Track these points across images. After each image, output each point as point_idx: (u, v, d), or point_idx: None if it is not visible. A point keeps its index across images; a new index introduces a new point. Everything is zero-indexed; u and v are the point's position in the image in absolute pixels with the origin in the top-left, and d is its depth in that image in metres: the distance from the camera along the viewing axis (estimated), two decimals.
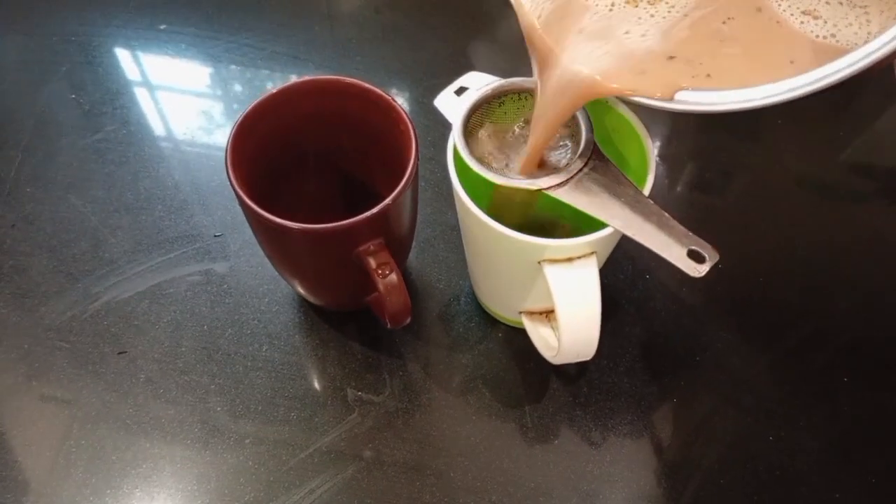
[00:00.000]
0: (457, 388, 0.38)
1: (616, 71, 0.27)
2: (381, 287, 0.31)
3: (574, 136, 0.32)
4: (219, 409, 0.36)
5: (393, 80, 0.50)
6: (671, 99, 0.26)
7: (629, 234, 0.29)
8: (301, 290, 0.38)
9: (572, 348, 0.31)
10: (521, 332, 0.39)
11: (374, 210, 0.31)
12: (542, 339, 0.35)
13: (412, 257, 0.41)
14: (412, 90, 0.49)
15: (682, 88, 0.26)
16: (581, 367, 0.38)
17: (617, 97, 0.28)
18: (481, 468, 0.35)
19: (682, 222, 0.29)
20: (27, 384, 0.37)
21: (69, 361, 0.38)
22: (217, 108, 0.48)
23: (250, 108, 0.33)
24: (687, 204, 0.45)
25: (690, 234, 0.29)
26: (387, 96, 0.34)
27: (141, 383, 0.37)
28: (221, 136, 0.46)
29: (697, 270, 0.28)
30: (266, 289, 0.40)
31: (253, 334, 0.39)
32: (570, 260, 0.30)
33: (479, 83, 0.33)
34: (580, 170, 0.30)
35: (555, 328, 0.36)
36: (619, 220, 0.29)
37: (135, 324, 0.39)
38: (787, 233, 0.43)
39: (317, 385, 0.37)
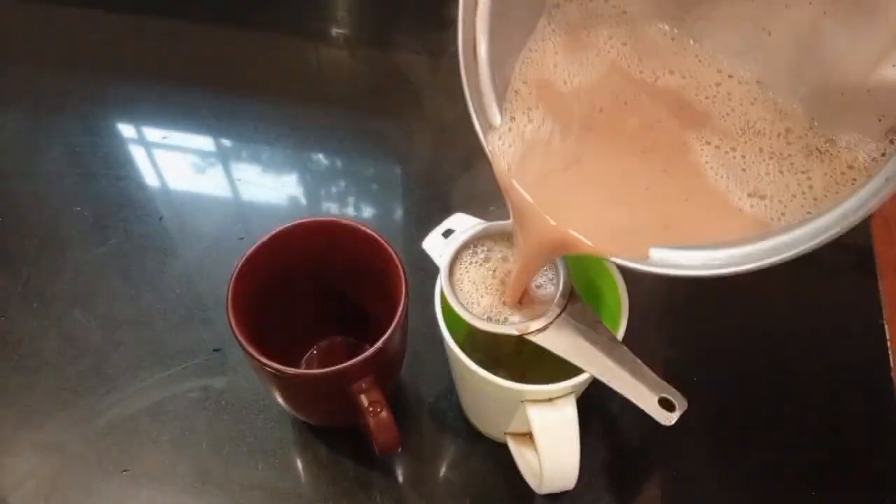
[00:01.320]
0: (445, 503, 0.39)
1: (592, 231, 0.29)
2: (371, 424, 0.33)
3: (550, 278, 0.34)
4: None
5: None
6: (646, 260, 0.28)
7: (604, 380, 0.31)
8: (294, 414, 0.39)
9: (554, 482, 0.33)
10: (506, 448, 0.41)
11: (367, 354, 0.33)
12: (527, 463, 0.37)
13: (403, 369, 0.43)
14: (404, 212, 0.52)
15: (654, 246, 0.28)
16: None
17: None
18: None
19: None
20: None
21: (72, 480, 0.39)
22: (217, 223, 0.50)
23: (247, 255, 0.35)
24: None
25: (661, 381, 0.31)
26: (376, 236, 0.36)
27: (143, 502, 0.39)
28: (222, 250, 0.48)
29: (668, 419, 0.30)
30: (262, 405, 0.42)
31: (249, 452, 0.40)
32: (550, 400, 0.33)
33: (464, 225, 0.36)
34: (558, 314, 0.33)
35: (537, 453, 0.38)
36: (595, 367, 0.31)
37: (137, 441, 0.40)
38: (757, 328, 0.45)
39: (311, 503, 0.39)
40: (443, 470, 0.40)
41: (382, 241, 0.36)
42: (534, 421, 0.32)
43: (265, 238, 0.36)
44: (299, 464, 0.40)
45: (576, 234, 0.28)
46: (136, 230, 0.49)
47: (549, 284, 0.34)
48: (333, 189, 0.53)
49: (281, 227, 0.36)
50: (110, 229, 0.49)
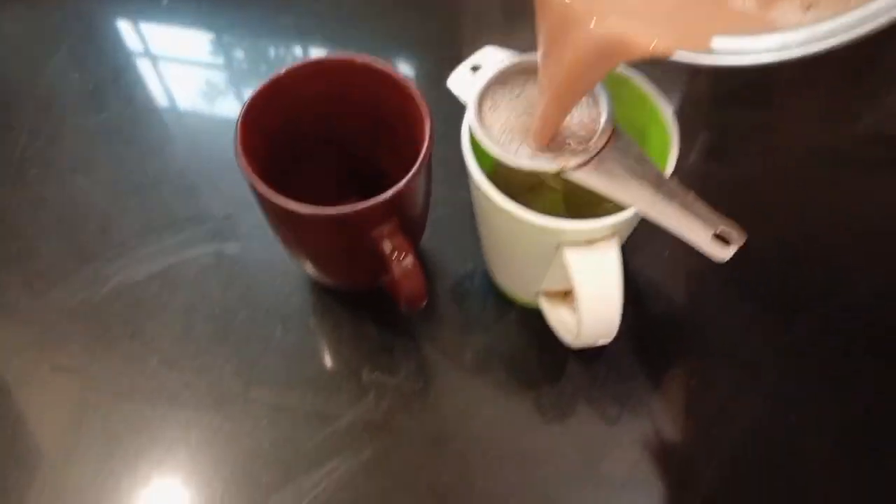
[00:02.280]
0: (472, 370, 0.37)
1: (643, 26, 0.25)
2: (396, 272, 0.31)
3: (591, 111, 0.31)
4: (234, 391, 0.36)
5: (402, 53, 0.49)
6: (712, 50, 0.24)
7: (652, 217, 0.28)
8: (314, 273, 0.37)
9: (592, 332, 0.31)
10: (537, 314, 0.38)
11: (389, 193, 0.30)
12: (561, 321, 0.35)
13: (425, 238, 0.40)
14: (423, 63, 0.48)
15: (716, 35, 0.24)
16: (598, 349, 0.38)
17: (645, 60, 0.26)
18: (499, 449, 0.35)
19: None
20: (38, 368, 0.37)
21: (81, 346, 0.37)
22: (223, 85, 0.47)
23: (258, 90, 0.32)
24: (701, 177, 0.44)
25: (716, 215, 0.28)
26: (398, 75, 0.33)
27: (153, 366, 0.37)
28: (228, 114, 0.45)
29: (723, 254, 0.27)
30: (278, 270, 0.40)
31: (266, 316, 0.38)
32: (590, 242, 0.30)
33: (494, 60, 0.32)
34: (601, 149, 0.29)
35: (574, 309, 0.36)
36: (642, 202, 0.28)
37: (146, 307, 0.38)
38: (803, 208, 0.42)
39: (332, 367, 0.37)
40: (469, 336, 0.38)
41: (404, 81, 0.33)
42: (572, 265, 0.30)
43: (276, 74, 0.32)
44: (319, 328, 0.38)
45: (626, 30, 0.24)
46: (138, 95, 0.46)
47: (585, 120, 0.31)
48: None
49: (292, 65, 0.33)
50: (110, 95, 0.46)
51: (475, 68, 0.32)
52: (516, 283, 0.37)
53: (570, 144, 0.30)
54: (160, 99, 0.46)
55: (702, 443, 0.36)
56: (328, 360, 0.37)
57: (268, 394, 0.36)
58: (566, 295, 0.36)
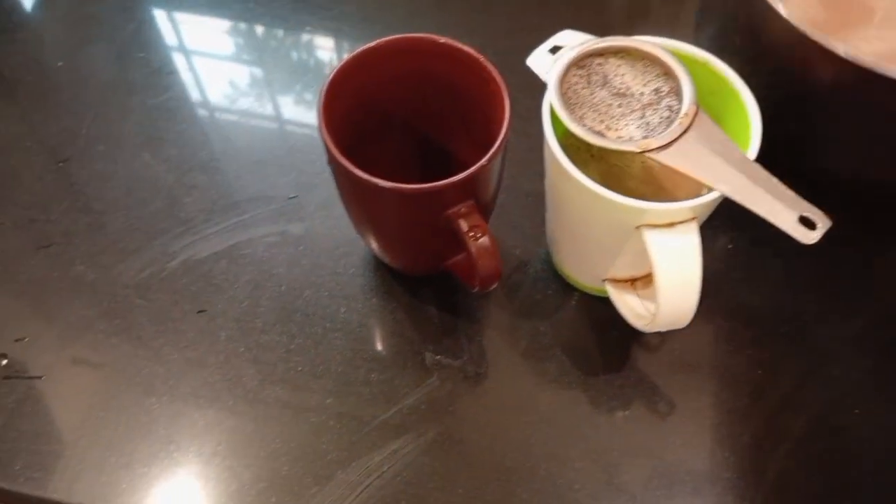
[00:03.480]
0: (536, 355, 0.37)
1: None
2: (473, 250, 0.31)
3: (673, 93, 0.31)
4: (300, 368, 0.36)
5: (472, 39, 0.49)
6: None
7: (737, 199, 0.28)
8: (381, 252, 0.37)
9: (669, 317, 0.31)
10: (599, 300, 0.38)
11: (469, 171, 0.30)
12: (630, 308, 0.35)
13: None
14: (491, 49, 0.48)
15: None
16: (663, 337, 0.38)
17: None
18: (562, 435, 0.35)
19: None
20: (107, 341, 0.37)
21: (149, 319, 0.38)
22: (283, 69, 0.47)
23: (340, 66, 0.32)
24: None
25: (801, 199, 0.28)
26: (477, 55, 0.33)
27: (222, 342, 0.37)
28: (290, 98, 0.46)
29: (809, 237, 0.27)
30: (342, 251, 0.40)
31: (331, 296, 0.39)
32: (671, 225, 0.30)
33: (574, 42, 0.32)
34: (684, 131, 0.29)
35: (641, 296, 0.36)
36: (726, 184, 0.28)
37: (213, 283, 0.39)
38: None
39: (395, 348, 0.37)
40: (531, 321, 0.38)
41: (482, 60, 0.33)
42: (652, 247, 0.29)
43: (358, 51, 0.33)
44: (382, 309, 0.38)
45: None
46: (202, 76, 0.46)
47: (665, 114, 0.31)
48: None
49: (373, 42, 0.33)
50: (175, 75, 0.46)
51: (554, 49, 0.32)
52: (582, 268, 0.37)
53: (654, 132, 0.30)
54: (224, 82, 0.46)
55: (768, 432, 0.35)
56: (391, 341, 0.37)
57: (333, 371, 0.36)
58: (633, 282, 0.36)
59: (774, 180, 0.28)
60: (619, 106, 0.31)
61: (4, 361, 0.37)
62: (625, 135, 0.30)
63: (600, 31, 0.32)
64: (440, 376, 0.36)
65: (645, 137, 0.30)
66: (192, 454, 0.34)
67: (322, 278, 0.39)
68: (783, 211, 0.28)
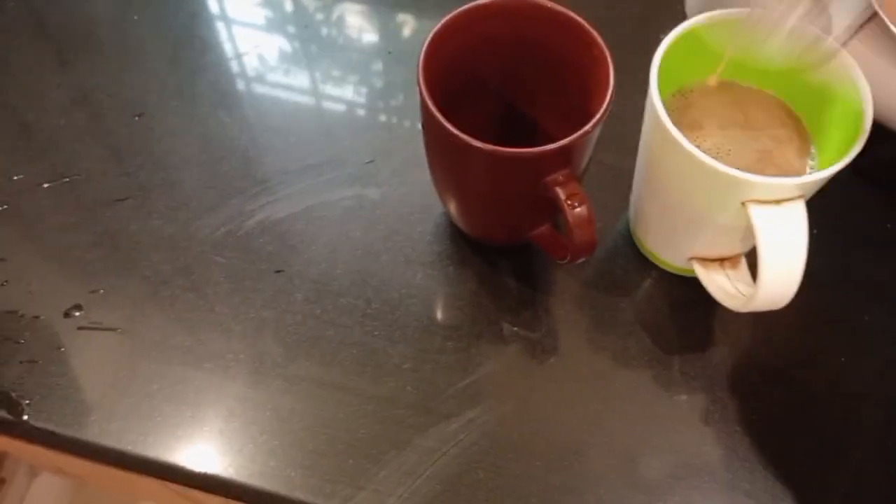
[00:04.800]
0: (615, 332, 0.37)
1: None
2: (570, 218, 0.30)
3: None
4: (376, 333, 0.36)
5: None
6: None
7: None
8: (464, 219, 0.37)
9: (770, 296, 0.30)
10: (679, 279, 0.38)
11: (572, 138, 0.29)
12: (719, 286, 0.34)
13: None
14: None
15: None
16: (743, 321, 0.37)
17: None
18: (640, 413, 0.35)
19: None
20: (183, 296, 0.37)
21: (226, 277, 0.37)
22: (364, 36, 0.47)
23: (438, 27, 0.32)
24: None
25: None
26: (580, 20, 0.32)
27: (299, 302, 0.37)
28: (371, 65, 0.45)
29: None
30: (418, 217, 0.39)
31: (407, 262, 0.38)
32: (778, 202, 0.29)
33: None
34: (865, 22, 0.28)
35: (731, 277, 0.35)
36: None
37: (290, 244, 0.38)
38: None
39: (472, 317, 0.37)
40: (611, 296, 0.37)
41: (585, 26, 0.32)
42: (758, 223, 0.29)
43: (459, 11, 0.32)
44: (459, 278, 0.38)
45: None
46: (277, 37, 0.46)
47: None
48: None
49: (467, 6, 0.32)
50: (250, 34, 0.46)
51: None
52: (669, 245, 0.36)
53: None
54: (301, 41, 0.46)
55: (851, 421, 0.35)
56: (468, 311, 0.37)
57: (409, 337, 0.36)
58: (722, 261, 0.35)
59: None
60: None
61: (79, 313, 0.37)
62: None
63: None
64: (517, 348, 0.36)
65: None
66: (269, 413, 0.34)
67: (398, 244, 0.39)
68: None
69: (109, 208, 0.40)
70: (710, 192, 0.30)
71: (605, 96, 0.30)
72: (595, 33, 0.32)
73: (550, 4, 0.32)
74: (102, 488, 1.11)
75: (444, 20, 0.32)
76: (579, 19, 0.32)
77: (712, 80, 0.34)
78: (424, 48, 0.31)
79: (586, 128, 0.29)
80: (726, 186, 0.29)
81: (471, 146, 0.29)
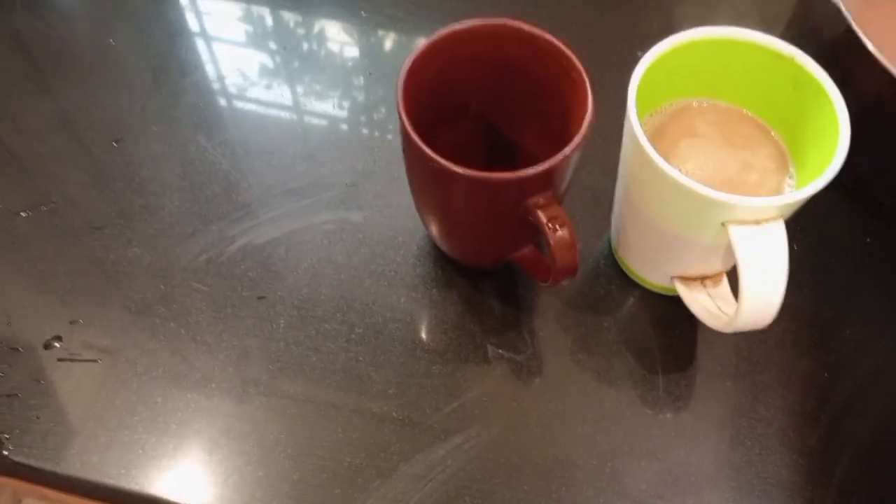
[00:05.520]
0: (599, 352, 0.37)
1: None
2: (552, 241, 0.30)
3: None
4: (360, 358, 0.36)
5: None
6: None
7: None
8: (446, 242, 0.37)
9: (752, 316, 0.30)
10: (662, 297, 0.38)
11: (553, 161, 0.29)
12: (702, 306, 0.34)
13: None
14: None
15: None
16: (727, 338, 0.37)
17: None
18: (627, 433, 0.35)
19: None
20: (165, 325, 0.37)
21: (208, 304, 0.37)
22: (347, 55, 0.46)
23: (420, 50, 0.32)
24: None
25: None
26: (559, 44, 0.32)
27: (282, 329, 0.36)
28: (352, 85, 0.45)
29: None
30: (401, 240, 0.39)
31: (390, 286, 0.38)
32: (758, 222, 0.29)
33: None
34: None
35: (713, 295, 0.35)
36: None
37: (272, 269, 0.38)
38: None
39: (457, 340, 0.37)
40: (595, 316, 0.37)
41: (562, 48, 0.32)
42: (738, 243, 0.29)
43: (437, 36, 0.32)
44: (443, 300, 0.38)
45: None
46: (260, 60, 0.46)
47: None
48: None
49: (447, 30, 0.32)
50: (232, 58, 0.46)
51: None
52: (651, 265, 0.36)
53: None
54: (283, 66, 0.46)
55: (835, 436, 0.35)
56: (453, 334, 0.37)
57: (394, 363, 0.36)
58: (704, 280, 0.36)
59: None
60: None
61: (58, 344, 0.36)
62: None
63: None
64: (503, 370, 0.36)
65: None
66: (254, 442, 0.34)
67: (382, 267, 0.38)
68: None
69: (89, 236, 0.39)
70: (689, 212, 0.30)
71: (583, 119, 0.30)
72: (573, 57, 0.32)
73: (530, 28, 0.32)
74: None
75: (424, 44, 0.31)
76: (558, 43, 0.32)
77: (691, 100, 0.35)
78: (404, 72, 0.31)
79: (566, 151, 0.29)
80: (706, 207, 0.29)
81: (450, 171, 0.29)
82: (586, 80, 0.31)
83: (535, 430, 0.35)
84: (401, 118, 0.30)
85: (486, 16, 0.33)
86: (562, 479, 0.34)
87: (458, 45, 0.33)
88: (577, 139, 0.30)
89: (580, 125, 0.30)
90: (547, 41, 0.32)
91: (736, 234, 0.29)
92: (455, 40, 0.32)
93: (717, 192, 0.28)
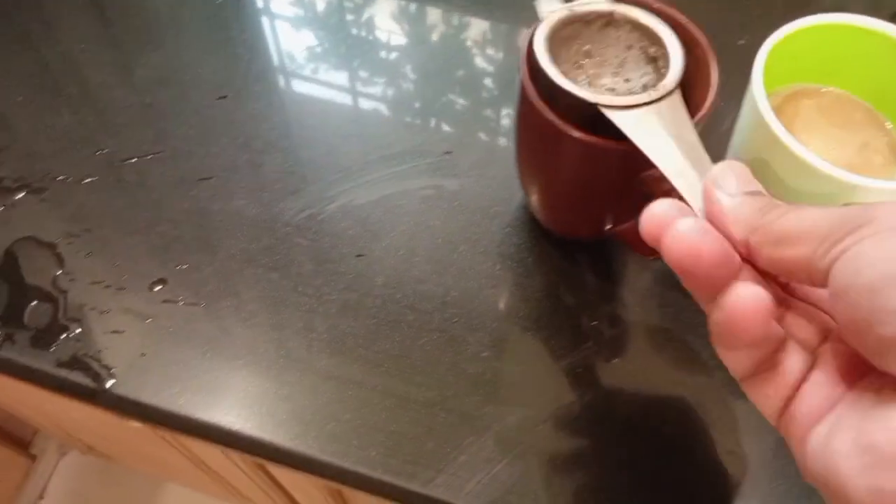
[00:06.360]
0: (694, 331, 0.37)
1: None
2: None
3: (658, 62, 0.31)
4: (455, 320, 0.37)
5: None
6: None
7: (669, 175, 0.27)
8: (548, 211, 0.37)
9: None
10: None
11: None
12: None
13: None
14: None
15: None
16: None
17: None
18: (721, 415, 0.35)
19: None
20: (266, 276, 0.38)
21: (309, 258, 0.38)
22: (451, 19, 0.47)
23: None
24: None
25: None
26: (684, 19, 0.32)
27: (378, 286, 0.37)
28: (451, 49, 0.46)
29: None
30: (497, 210, 0.40)
31: (486, 252, 0.39)
32: None
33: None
34: (651, 102, 0.29)
35: None
36: (665, 161, 0.27)
37: (370, 229, 0.39)
38: None
39: (551, 310, 0.37)
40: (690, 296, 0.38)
41: (689, 23, 0.32)
42: None
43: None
44: (538, 270, 0.38)
45: None
46: (367, 22, 0.47)
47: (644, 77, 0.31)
48: None
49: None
50: (339, 18, 0.47)
51: None
52: None
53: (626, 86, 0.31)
54: (388, 28, 0.47)
55: None
56: (547, 303, 0.37)
57: (488, 327, 0.36)
58: None
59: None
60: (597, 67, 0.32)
61: (160, 287, 0.38)
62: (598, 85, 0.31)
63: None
64: (596, 343, 0.36)
65: (605, 91, 0.30)
66: (352, 393, 0.35)
67: (477, 235, 0.39)
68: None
69: (194, 187, 0.40)
70: (814, 194, 0.30)
71: (706, 96, 0.30)
72: (699, 32, 0.32)
73: (655, 3, 0.33)
74: (130, 469, 1.13)
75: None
76: (683, 18, 0.32)
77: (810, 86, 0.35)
78: (526, 41, 0.31)
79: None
80: (831, 189, 0.29)
81: (570, 136, 0.30)
82: (712, 55, 0.31)
83: (628, 403, 0.35)
84: (522, 80, 0.31)
85: None
86: (656, 452, 0.34)
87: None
88: (701, 113, 0.30)
89: (703, 102, 0.30)
90: (671, 16, 0.32)
91: None
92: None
93: (850, 174, 0.28)
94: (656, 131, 0.29)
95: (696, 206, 0.27)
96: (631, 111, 0.29)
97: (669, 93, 0.30)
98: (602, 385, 0.35)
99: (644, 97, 0.30)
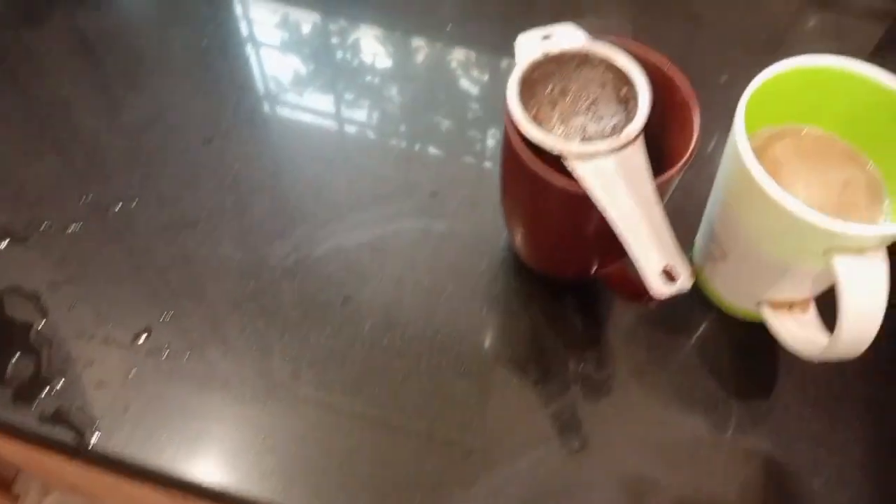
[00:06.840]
0: (677, 373, 0.37)
1: None
2: None
3: (629, 104, 0.31)
4: (443, 365, 0.36)
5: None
6: None
7: (618, 229, 0.28)
8: (533, 253, 0.37)
9: (848, 345, 0.30)
10: (739, 321, 0.38)
11: (661, 178, 0.30)
12: (791, 334, 0.34)
13: None
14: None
15: None
16: (804, 366, 0.37)
17: None
18: (707, 456, 0.35)
19: None
20: (252, 324, 0.37)
21: (296, 303, 0.38)
22: (436, 58, 0.48)
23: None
24: None
25: (678, 252, 0.28)
26: (665, 62, 0.33)
27: (365, 332, 0.37)
28: (436, 89, 0.46)
29: (661, 290, 0.27)
30: (483, 251, 0.40)
31: (472, 295, 0.38)
32: (861, 250, 0.29)
33: (566, 36, 0.33)
34: (611, 151, 0.29)
35: (800, 322, 0.35)
36: (617, 211, 0.28)
37: (358, 272, 0.39)
38: None
39: (537, 354, 0.37)
40: (677, 337, 0.38)
41: (671, 68, 0.32)
42: (841, 271, 0.29)
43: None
44: (525, 313, 0.38)
45: None
46: (350, 66, 0.47)
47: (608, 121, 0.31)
48: None
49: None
50: (323, 62, 0.47)
51: (546, 37, 0.33)
52: (738, 289, 0.37)
53: (589, 134, 0.31)
54: (380, 64, 0.47)
55: None
56: (533, 347, 0.37)
57: (475, 372, 0.36)
58: (791, 306, 0.36)
59: (665, 227, 0.29)
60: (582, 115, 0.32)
61: (145, 336, 0.37)
62: (570, 124, 0.31)
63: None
64: (584, 387, 0.36)
65: (568, 142, 0.30)
66: (339, 441, 0.34)
67: (464, 276, 0.39)
68: (653, 258, 0.28)
69: (180, 233, 0.40)
70: (793, 239, 0.30)
71: (689, 141, 0.31)
72: (681, 77, 0.32)
73: (637, 45, 0.33)
74: None
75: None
76: (665, 62, 0.33)
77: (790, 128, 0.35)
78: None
79: (671, 172, 0.30)
80: (812, 234, 0.29)
81: (554, 186, 0.30)
82: (693, 99, 0.32)
83: (616, 448, 0.35)
84: (509, 128, 0.31)
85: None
86: (634, 498, 0.34)
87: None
88: (683, 159, 0.30)
89: (686, 146, 0.31)
90: (653, 60, 0.33)
91: (839, 262, 0.29)
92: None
93: (828, 219, 0.28)
94: (613, 182, 0.29)
95: (642, 264, 0.28)
96: (590, 161, 0.30)
97: (631, 141, 0.30)
98: (587, 431, 0.35)
99: (604, 145, 0.30)
